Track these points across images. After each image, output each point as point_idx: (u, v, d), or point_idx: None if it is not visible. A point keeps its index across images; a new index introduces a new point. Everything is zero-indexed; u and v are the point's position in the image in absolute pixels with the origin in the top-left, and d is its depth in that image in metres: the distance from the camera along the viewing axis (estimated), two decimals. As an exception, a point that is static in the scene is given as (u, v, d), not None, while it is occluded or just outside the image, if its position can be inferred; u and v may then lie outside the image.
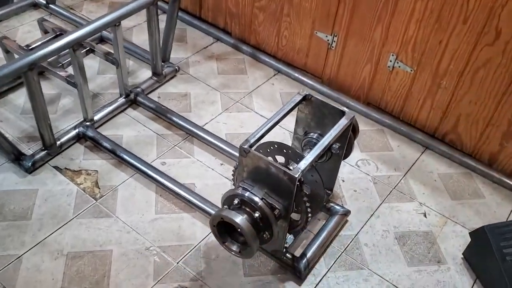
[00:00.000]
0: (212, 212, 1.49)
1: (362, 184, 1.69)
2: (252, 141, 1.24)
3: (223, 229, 1.26)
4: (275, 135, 1.83)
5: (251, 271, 1.40)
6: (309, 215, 1.28)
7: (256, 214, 1.20)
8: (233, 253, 1.26)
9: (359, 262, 1.45)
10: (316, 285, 1.38)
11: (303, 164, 1.19)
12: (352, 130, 1.45)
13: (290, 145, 1.55)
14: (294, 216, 1.37)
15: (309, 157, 1.22)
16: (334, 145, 1.40)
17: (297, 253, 1.45)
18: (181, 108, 1.92)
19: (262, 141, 1.28)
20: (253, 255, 1.22)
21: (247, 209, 1.22)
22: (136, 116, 1.86)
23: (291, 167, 1.30)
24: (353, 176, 1.71)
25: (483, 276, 1.42)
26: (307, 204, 1.26)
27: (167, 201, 1.57)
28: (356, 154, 1.79)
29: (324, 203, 1.55)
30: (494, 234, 1.38)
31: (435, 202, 1.65)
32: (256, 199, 1.20)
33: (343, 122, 1.32)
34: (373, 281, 1.40)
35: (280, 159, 1.34)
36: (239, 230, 1.19)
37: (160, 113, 1.85)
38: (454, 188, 1.71)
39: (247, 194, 1.21)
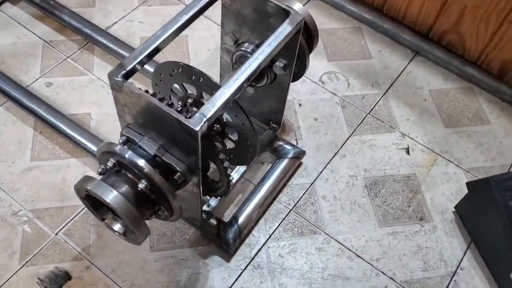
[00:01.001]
0: (109, 158, 1.06)
1: (325, 109, 1.24)
2: (129, 66, 0.76)
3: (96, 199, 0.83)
4: (203, 41, 1.33)
5: (160, 243, 1.00)
6: (231, 177, 0.84)
7: (142, 185, 0.76)
8: (116, 234, 0.84)
9: (313, 223, 1.05)
10: (251, 259, 1.00)
11: (211, 106, 0.72)
12: (307, 36, 0.96)
13: (219, 61, 1.07)
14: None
15: (224, 92, 0.75)
16: (277, 63, 0.92)
17: (228, 214, 1.04)
18: (81, 2, 1.38)
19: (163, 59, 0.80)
20: (144, 240, 0.81)
21: (129, 175, 0.78)
22: (15, 14, 1.33)
23: (189, 100, 0.84)
24: (315, 98, 1.25)
25: (480, 239, 1.04)
26: (225, 164, 0.82)
27: (49, 141, 1.12)
28: (321, 65, 1.31)
29: (269, 142, 1.12)
30: (501, 188, 0.97)
31: (423, 131, 1.22)
32: (141, 163, 0.76)
33: (285, 29, 0.83)
34: (330, 250, 1.02)
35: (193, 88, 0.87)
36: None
37: (48, 10, 1.31)
38: (450, 111, 1.26)
39: (128, 154, 0.76)
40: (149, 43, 0.79)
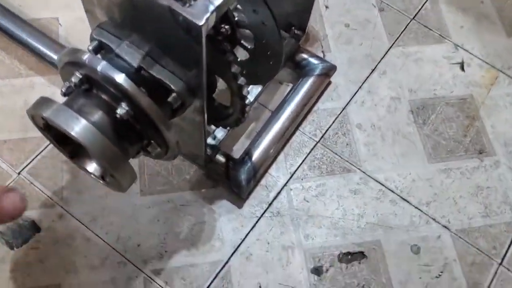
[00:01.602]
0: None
1: (359, 13, 0.97)
2: None
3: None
4: None
5: (153, 185, 0.79)
6: (246, 100, 0.60)
7: (121, 110, 0.52)
8: (93, 177, 0.62)
9: (346, 159, 0.83)
10: (269, 204, 0.79)
11: (219, -9, 0.47)
12: None
13: None
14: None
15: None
16: None
17: (239, 149, 0.82)
18: None
19: None
20: (129, 186, 0.59)
21: (104, 97, 0.54)
22: None
23: None
24: (345, -1, 0.99)
25: (556, 178, 0.83)
26: (240, 81, 0.58)
27: (5, 54, 0.87)
28: (351, -43, 1.03)
29: (290, 55, 0.86)
30: None
31: (481, 42, 0.97)
32: (120, 78, 0.51)
33: None
34: (368, 193, 0.81)
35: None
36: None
37: None
38: (514, 16, 1.01)
39: (100, 66, 0.52)
40: None
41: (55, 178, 0.77)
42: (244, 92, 0.59)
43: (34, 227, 0.74)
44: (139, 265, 0.73)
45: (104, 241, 0.74)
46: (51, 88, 0.84)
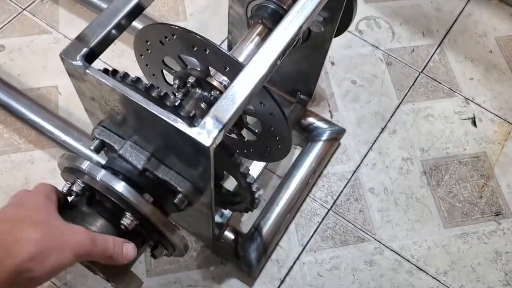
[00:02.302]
0: (86, 151, 0.79)
1: (366, 68, 0.95)
2: (94, 40, 0.46)
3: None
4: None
5: (160, 264, 0.76)
6: (256, 194, 0.58)
7: (126, 220, 0.49)
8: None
9: (360, 228, 0.81)
10: (281, 281, 0.76)
11: (229, 106, 0.44)
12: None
13: (228, 13, 0.77)
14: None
15: (249, 75, 0.46)
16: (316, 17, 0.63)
17: (247, 223, 0.79)
18: None
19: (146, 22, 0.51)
20: (137, 290, 0.56)
21: (107, 205, 0.51)
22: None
23: (214, 83, 0.56)
24: (351, 53, 0.96)
25: None
26: (249, 179, 0.55)
27: (4, 127, 0.85)
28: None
29: (297, 119, 0.84)
30: None
31: (491, 94, 0.94)
32: (120, 187, 0.49)
33: (335, -32, 0.53)
34: (384, 263, 0.78)
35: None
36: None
37: None
38: (524, 65, 0.98)
39: (101, 175, 0.49)
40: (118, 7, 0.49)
41: (58, 261, 0.74)
42: (254, 188, 0.56)
43: (38, 316, 0.71)
44: None
45: (111, 329, 0.71)
46: (51, 162, 0.82)
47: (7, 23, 0.94)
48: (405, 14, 1.02)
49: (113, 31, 0.47)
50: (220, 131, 0.43)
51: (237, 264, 0.75)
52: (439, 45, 0.99)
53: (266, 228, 0.75)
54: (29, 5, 0.96)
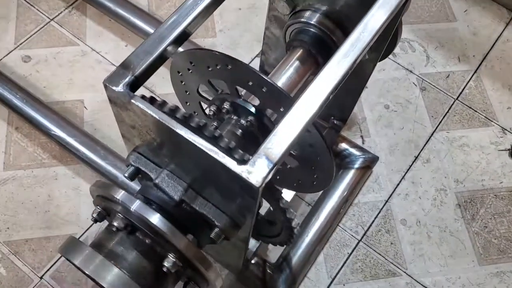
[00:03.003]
0: (111, 169, 0.76)
1: (400, 93, 0.92)
2: (139, 68, 0.44)
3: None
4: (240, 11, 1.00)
5: (183, 292, 0.73)
6: (294, 230, 0.55)
7: (168, 263, 0.47)
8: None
9: (391, 261, 0.77)
10: (309, 314, 0.73)
11: (281, 145, 0.42)
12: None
13: (264, 33, 0.74)
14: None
15: (301, 111, 0.44)
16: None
17: (274, 249, 0.76)
18: None
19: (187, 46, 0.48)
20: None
21: (141, 237, 0.49)
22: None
23: (240, 127, 0.54)
24: (384, 77, 0.94)
25: None
26: (289, 214, 0.52)
27: (28, 140, 0.82)
28: (389, 31, 0.98)
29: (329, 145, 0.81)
30: None
31: (530, 125, 0.91)
32: (155, 219, 0.46)
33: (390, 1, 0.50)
34: (416, 300, 0.75)
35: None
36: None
37: (23, -47, 0.97)
38: None
39: (135, 206, 0.46)
40: (172, 25, 0.47)
41: (80, 284, 0.72)
42: (294, 224, 0.53)
43: None
44: None
45: None
46: (75, 179, 0.79)
47: (34, 34, 0.92)
48: (441, 37, 0.99)
49: (158, 58, 0.45)
50: (270, 171, 0.40)
51: (264, 295, 0.72)
52: (475, 71, 0.96)
53: (295, 258, 0.72)
54: (56, 16, 0.94)
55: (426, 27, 1.00)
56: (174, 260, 0.47)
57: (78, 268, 0.48)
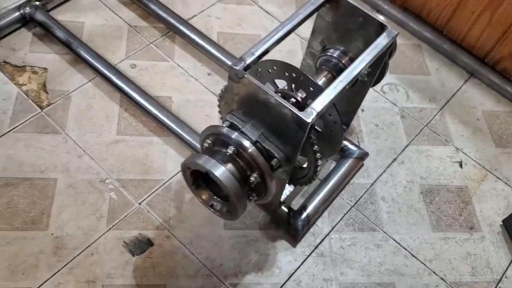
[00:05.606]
0: (191, 140, 1.14)
1: (386, 117, 1.32)
2: (249, 61, 0.84)
3: (198, 176, 0.91)
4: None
5: (233, 223, 1.09)
6: (318, 168, 0.93)
7: (253, 178, 0.85)
8: (212, 210, 0.93)
9: (373, 221, 1.14)
10: (315, 247, 1.08)
11: (320, 104, 0.81)
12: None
13: (301, 59, 1.15)
14: (299, 159, 1.01)
15: (330, 92, 0.83)
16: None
17: (295, 204, 1.13)
18: (164, -7, 1.47)
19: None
20: (240, 216, 0.90)
21: (234, 156, 0.87)
22: (103, -2, 1.43)
23: (298, 96, 0.92)
24: (376, 105, 1.34)
25: (525, 253, 1.12)
26: (317, 155, 0.91)
27: (133, 118, 1.21)
28: (382, 76, 1.40)
29: (337, 141, 1.20)
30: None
31: (475, 148, 1.30)
32: (247, 143, 0.84)
33: (382, 42, 0.92)
34: (387, 248, 1.10)
35: (280, 81, 0.96)
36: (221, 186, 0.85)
37: (135, -3, 1.41)
38: (500, 132, 1.35)
39: (234, 135, 0.85)
40: (259, 45, 0.87)
41: (164, 210, 1.08)
42: (319, 163, 0.91)
43: (149, 242, 1.03)
44: (221, 279, 1.01)
45: (198, 259, 1.03)
46: (164, 146, 1.17)
47: (138, 50, 1.33)
48: (418, 85, 1.40)
49: (257, 58, 0.85)
50: (315, 116, 0.79)
51: (287, 229, 1.08)
52: (440, 109, 1.36)
53: (310, 207, 1.09)
54: (154, 41, 1.36)
55: (409, 77, 1.42)
56: (256, 176, 0.84)
57: (198, 166, 0.84)
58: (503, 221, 1.18)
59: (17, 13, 1.29)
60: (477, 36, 1.43)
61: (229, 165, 0.86)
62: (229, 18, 1.45)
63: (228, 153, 0.87)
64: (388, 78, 1.40)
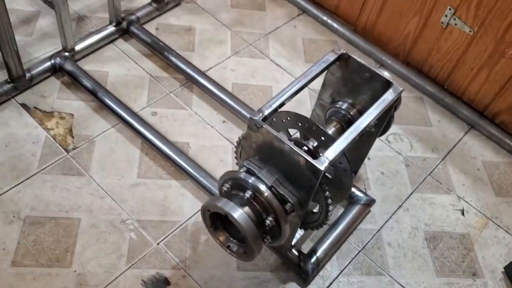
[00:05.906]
0: (206, 183, 1.21)
1: (391, 166, 1.39)
2: (267, 112, 0.93)
3: (216, 219, 0.98)
4: (293, 93, 1.51)
5: (246, 264, 1.14)
6: (329, 213, 0.99)
7: (268, 221, 0.91)
8: (228, 252, 0.99)
9: (379, 266, 1.19)
10: (324, 290, 1.13)
11: (333, 153, 0.89)
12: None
13: (311, 110, 1.24)
14: (310, 205, 1.08)
15: (342, 142, 0.91)
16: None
17: (305, 247, 1.18)
18: (183, 46, 1.58)
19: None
20: (255, 257, 0.95)
21: (250, 200, 0.93)
22: (127, 50, 1.53)
23: (310, 144, 0.99)
24: (382, 154, 1.41)
25: (527, 300, 1.16)
26: (329, 201, 0.97)
27: (153, 162, 1.28)
28: (387, 127, 1.48)
29: (345, 188, 1.27)
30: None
31: (476, 197, 1.36)
32: (263, 188, 0.91)
33: (388, 97, 1.00)
34: (393, 292, 1.15)
35: (292, 130, 1.04)
36: (238, 227, 0.91)
37: (157, 50, 1.51)
38: (500, 182, 1.41)
39: (251, 180, 0.92)
40: (276, 99, 0.96)
41: (181, 251, 1.13)
42: (330, 208, 0.98)
43: (166, 281, 1.08)
44: (235, 318, 1.06)
45: (212, 298, 1.08)
46: (182, 189, 1.24)
47: (159, 99, 1.42)
48: (421, 135, 1.48)
49: (274, 111, 0.93)
50: (328, 164, 0.86)
51: (298, 272, 1.13)
52: (442, 159, 1.44)
53: (319, 251, 1.14)
54: (173, 90, 1.45)
55: (412, 127, 1.50)
56: (271, 219, 0.91)
57: (217, 209, 0.91)
58: (504, 268, 1.23)
59: (48, 63, 1.40)
60: (476, 90, 1.52)
61: (246, 208, 0.92)
62: (242, 70, 1.55)
63: (245, 197, 0.94)
64: (392, 128, 1.48)
